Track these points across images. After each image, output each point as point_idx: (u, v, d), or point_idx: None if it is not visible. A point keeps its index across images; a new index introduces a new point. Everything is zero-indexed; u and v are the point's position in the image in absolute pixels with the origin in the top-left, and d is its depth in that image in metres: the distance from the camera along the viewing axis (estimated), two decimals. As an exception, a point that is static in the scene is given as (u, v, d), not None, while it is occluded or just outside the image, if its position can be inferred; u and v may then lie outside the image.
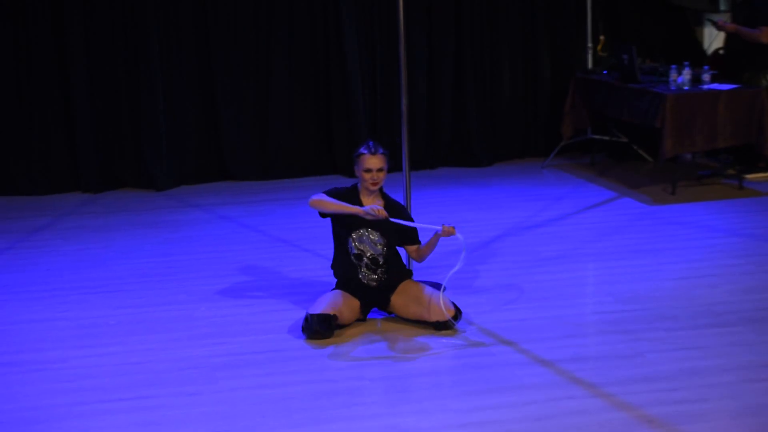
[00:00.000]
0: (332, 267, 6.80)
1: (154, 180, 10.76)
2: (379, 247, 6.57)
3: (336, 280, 6.74)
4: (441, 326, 6.42)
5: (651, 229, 8.65)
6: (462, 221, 8.98)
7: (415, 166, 10.29)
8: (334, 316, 6.36)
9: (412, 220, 6.67)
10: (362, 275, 6.59)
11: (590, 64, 11.49)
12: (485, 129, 11.62)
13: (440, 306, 6.40)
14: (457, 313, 6.44)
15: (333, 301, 6.46)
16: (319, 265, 7.62)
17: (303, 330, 6.38)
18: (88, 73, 10.65)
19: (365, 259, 6.56)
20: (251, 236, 8.83)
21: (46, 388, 5.73)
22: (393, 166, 10.49)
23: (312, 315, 6.33)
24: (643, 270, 7.53)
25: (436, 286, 7.13)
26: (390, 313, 6.69)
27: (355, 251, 6.57)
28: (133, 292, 7.40)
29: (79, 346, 6.35)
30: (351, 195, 6.63)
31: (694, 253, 7.95)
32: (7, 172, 10.69)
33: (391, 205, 6.65)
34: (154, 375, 5.87)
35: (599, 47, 11.38)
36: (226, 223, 9.30)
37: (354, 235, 6.57)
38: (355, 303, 6.57)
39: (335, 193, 6.61)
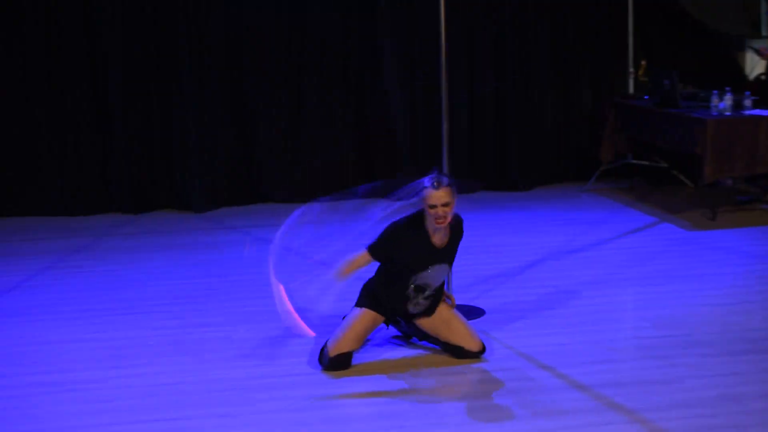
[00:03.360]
0: (370, 289, 6.42)
1: (191, 202, 10.81)
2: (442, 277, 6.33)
3: (361, 294, 6.44)
4: (464, 354, 6.28)
5: (690, 254, 8.60)
6: (501, 245, 8.99)
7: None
8: (349, 353, 6.21)
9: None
10: (412, 305, 6.32)
11: (631, 89, 11.46)
12: (525, 153, 11.61)
13: (474, 336, 6.29)
14: (483, 348, 6.31)
15: (355, 333, 6.25)
16: (356, 286, 7.59)
17: (319, 361, 6.25)
18: (123, 95, 10.75)
19: (427, 291, 6.28)
20: (288, 258, 8.82)
21: (80, 408, 5.74)
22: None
23: (329, 357, 6.17)
24: (680, 295, 7.48)
25: (471, 310, 7.11)
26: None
27: (420, 282, 6.23)
28: (169, 312, 7.42)
29: (112, 367, 6.36)
30: (416, 232, 6.16)
31: (731, 279, 7.89)
32: (45, 193, 10.80)
33: (455, 234, 6.31)
34: (187, 396, 5.87)
35: (640, 72, 11.35)
36: (263, 245, 9.30)
37: (421, 273, 6.22)
38: (379, 320, 6.36)
39: (396, 243, 6.16)
